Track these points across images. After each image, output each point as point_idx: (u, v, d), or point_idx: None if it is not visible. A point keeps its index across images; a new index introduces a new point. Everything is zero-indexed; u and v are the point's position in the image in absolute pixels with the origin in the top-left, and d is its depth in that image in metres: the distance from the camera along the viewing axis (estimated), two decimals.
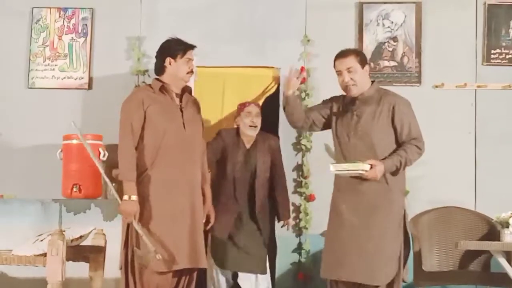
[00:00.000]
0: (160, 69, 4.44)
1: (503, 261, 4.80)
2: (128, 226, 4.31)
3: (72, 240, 4.48)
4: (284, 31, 5.83)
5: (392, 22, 5.82)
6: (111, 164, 4.98)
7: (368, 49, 5.77)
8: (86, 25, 5.95)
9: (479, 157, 5.70)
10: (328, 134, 4.55)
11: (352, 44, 5.68)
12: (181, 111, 4.41)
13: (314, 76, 5.76)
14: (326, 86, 5.28)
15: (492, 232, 5.23)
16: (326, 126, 4.51)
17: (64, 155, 5.25)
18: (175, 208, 4.28)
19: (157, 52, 4.47)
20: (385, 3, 5.82)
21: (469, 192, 5.65)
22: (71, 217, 5.11)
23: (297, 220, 5.62)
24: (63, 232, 4.34)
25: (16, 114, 5.88)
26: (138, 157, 4.29)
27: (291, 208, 5.48)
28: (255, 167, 5.19)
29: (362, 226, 4.20)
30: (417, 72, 5.77)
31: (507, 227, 4.85)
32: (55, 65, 5.93)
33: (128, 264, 4.31)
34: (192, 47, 4.44)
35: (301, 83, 5.41)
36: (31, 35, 5.95)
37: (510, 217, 4.86)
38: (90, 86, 5.90)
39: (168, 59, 4.39)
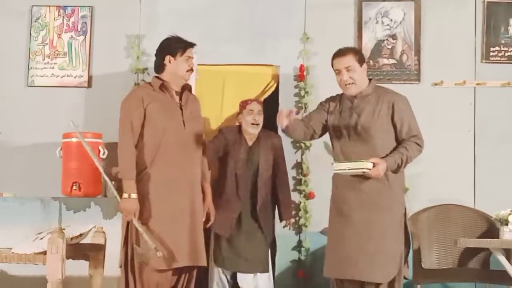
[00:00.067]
0: (159, 67, 4.44)
1: (502, 259, 4.80)
2: (128, 224, 4.31)
3: (72, 238, 4.46)
4: (284, 30, 5.82)
5: (391, 20, 5.81)
6: (111, 162, 4.98)
7: (367, 47, 5.77)
8: (85, 23, 5.94)
9: (478, 155, 5.70)
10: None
11: (351, 42, 5.68)
12: (181, 109, 4.41)
13: (313, 74, 5.76)
14: (325, 84, 5.28)
15: (491, 229, 5.23)
16: (325, 130, 4.47)
17: (63, 153, 5.25)
18: (175, 206, 4.28)
19: (157, 50, 4.46)
20: (384, 1, 5.81)
21: (468, 190, 5.65)
22: (71, 215, 5.10)
23: (297, 218, 5.62)
24: (63, 230, 4.32)
25: (15, 113, 5.88)
26: (138, 155, 4.29)
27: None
28: (258, 165, 5.18)
29: (364, 224, 4.19)
30: (416, 70, 5.77)
31: (506, 224, 4.85)
32: (55, 63, 5.92)
33: (128, 262, 4.31)
34: (192, 45, 4.43)
35: (301, 80, 5.44)
36: (30, 33, 5.95)
37: (509, 214, 4.85)
38: (89, 84, 5.90)
39: (167, 57, 4.39)
